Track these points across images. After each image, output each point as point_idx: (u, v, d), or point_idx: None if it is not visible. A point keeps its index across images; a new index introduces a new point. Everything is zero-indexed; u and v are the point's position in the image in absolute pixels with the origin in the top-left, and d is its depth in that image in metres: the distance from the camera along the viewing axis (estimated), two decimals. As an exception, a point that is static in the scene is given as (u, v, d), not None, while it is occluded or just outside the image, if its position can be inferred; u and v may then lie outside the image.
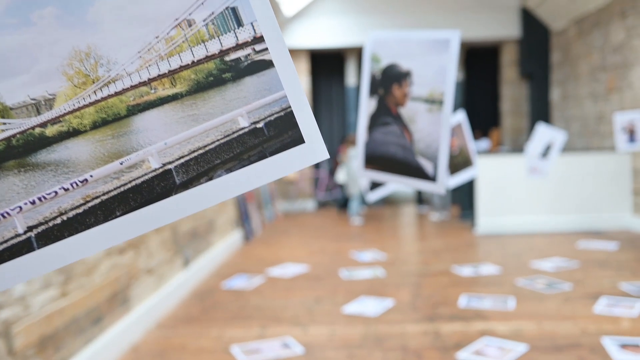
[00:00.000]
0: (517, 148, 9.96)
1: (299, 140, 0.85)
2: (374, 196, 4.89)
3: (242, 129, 0.85)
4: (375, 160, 1.55)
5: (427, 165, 1.41)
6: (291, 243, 7.14)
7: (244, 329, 3.87)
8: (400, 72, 1.44)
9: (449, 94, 1.34)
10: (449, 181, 3.35)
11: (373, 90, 1.53)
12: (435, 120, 1.37)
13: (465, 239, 7.05)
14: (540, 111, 10.10)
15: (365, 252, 6.25)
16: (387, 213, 9.50)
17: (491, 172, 7.33)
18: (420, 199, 9.76)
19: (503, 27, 10.15)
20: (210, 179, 0.86)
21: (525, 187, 7.32)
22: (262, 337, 3.70)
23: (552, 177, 6.49)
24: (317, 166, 10.83)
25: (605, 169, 7.40)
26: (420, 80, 1.40)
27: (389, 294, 4.51)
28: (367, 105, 1.52)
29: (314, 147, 0.86)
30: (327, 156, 0.85)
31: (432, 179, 1.41)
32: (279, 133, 0.83)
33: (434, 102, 1.37)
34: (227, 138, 0.84)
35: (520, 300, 4.23)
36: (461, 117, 3.22)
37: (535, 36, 10.00)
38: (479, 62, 11.22)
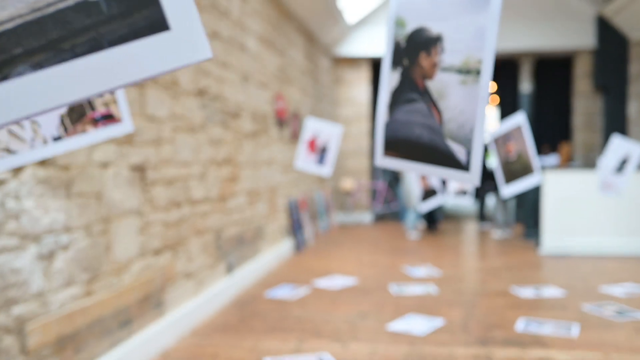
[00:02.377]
0: (589, 164, 9.34)
1: (159, 24, 0.57)
2: (425, 206, 4.59)
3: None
4: (396, 145, 1.29)
5: (459, 151, 1.15)
6: (343, 255, 6.89)
7: (280, 341, 3.66)
8: (429, 38, 1.19)
9: (488, 62, 1.08)
10: (506, 189, 3.02)
11: (396, 61, 1.29)
12: (470, 95, 1.11)
13: (528, 258, 6.59)
14: (616, 126, 9.44)
15: (418, 267, 5.92)
16: (447, 228, 9.09)
17: (559, 189, 6.84)
18: (483, 215, 9.30)
19: (576, 36, 9.58)
20: (6, 78, 0.59)
21: (596, 205, 6.79)
22: (298, 351, 3.46)
23: (626, 196, 5.96)
24: (375, 177, 10.54)
25: (688, 189, 6.77)
26: (453, 46, 1.15)
27: (439, 313, 4.18)
28: (389, 79, 1.28)
29: (185, 38, 0.58)
30: (210, 54, 0.57)
31: (464, 167, 1.14)
32: (127, 11, 0.52)
33: (469, 72, 1.11)
34: (37, 14, 0.53)
35: (585, 327, 3.81)
36: (521, 119, 2.90)
37: (612, 46, 9.37)
38: (549, 73, 10.66)
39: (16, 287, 2.33)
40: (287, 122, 6.97)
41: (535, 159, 2.89)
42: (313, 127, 4.27)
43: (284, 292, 4.93)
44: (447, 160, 1.16)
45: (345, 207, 10.49)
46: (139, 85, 3.35)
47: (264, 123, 6.00)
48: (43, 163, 2.49)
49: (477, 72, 1.10)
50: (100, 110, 1.20)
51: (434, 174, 1.20)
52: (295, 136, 7.16)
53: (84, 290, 2.81)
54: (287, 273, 5.80)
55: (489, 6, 1.08)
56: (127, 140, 3.21)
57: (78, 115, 1.16)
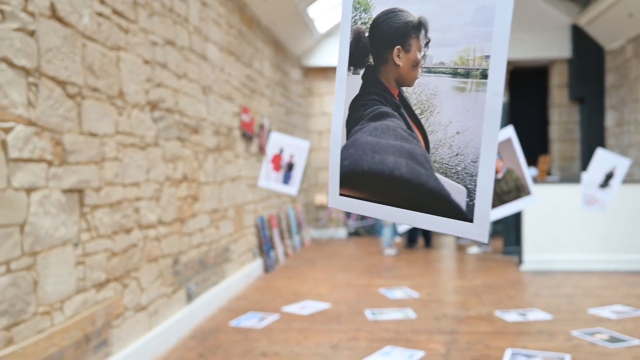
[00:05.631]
0: (568, 177, 9.12)
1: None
2: (404, 227, 4.24)
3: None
4: (358, 179, 0.91)
5: (456, 190, 0.78)
6: (315, 275, 6.49)
7: (241, 382, 3.25)
8: (407, 24, 0.83)
9: (499, 57, 0.72)
10: (496, 212, 2.66)
11: (357, 60, 0.92)
12: (471, 107, 0.75)
13: (510, 276, 6.27)
14: (594, 138, 9.24)
15: (395, 289, 5.56)
16: (422, 243, 8.75)
17: (539, 203, 6.55)
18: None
19: (552, 46, 9.39)
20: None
21: (577, 220, 6.52)
22: (261, 395, 3.06)
23: (609, 210, 5.68)
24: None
25: (671, 201, 6.54)
26: (443, 35, 0.79)
27: (419, 344, 3.81)
28: (344, 87, 0.92)
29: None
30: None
31: (464, 215, 0.77)
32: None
33: (469, 73, 0.75)
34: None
35: (578, 359, 3.48)
36: (510, 131, 2.56)
37: (588, 56, 9.19)
38: (525, 83, 10.46)
39: None
40: (255, 135, 6.58)
41: (529, 177, 2.55)
42: (278, 142, 3.89)
43: (250, 321, 4.51)
44: (438, 204, 0.79)
45: (318, 223, 10.10)
46: (74, 95, 2.94)
47: (228, 137, 5.61)
48: (-58, 190, 2.06)
49: (482, 74, 0.74)
50: None
51: (419, 224, 0.83)
52: (263, 150, 6.77)
53: (3, 337, 2.37)
54: (255, 297, 5.38)
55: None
56: (59, 160, 2.79)
57: None
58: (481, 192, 0.75)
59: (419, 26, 0.82)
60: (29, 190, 2.57)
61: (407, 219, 0.85)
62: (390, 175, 0.87)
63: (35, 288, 2.60)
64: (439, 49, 0.80)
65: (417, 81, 0.84)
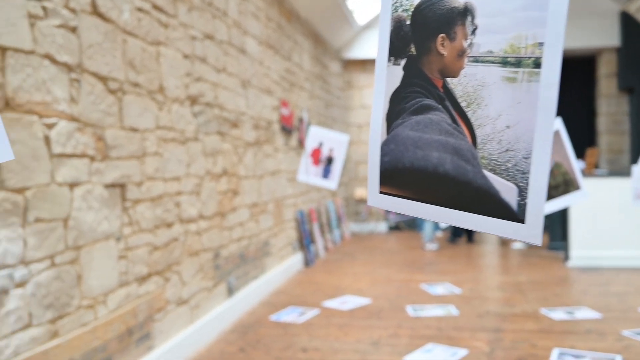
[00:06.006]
0: (617, 171, 8.81)
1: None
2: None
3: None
4: (399, 176, 0.86)
5: (506, 189, 0.72)
6: (355, 270, 6.45)
7: (281, 378, 3.24)
8: (451, 10, 0.77)
9: (555, 44, 0.66)
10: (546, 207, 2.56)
11: (397, 50, 0.87)
12: (523, 99, 0.69)
13: (556, 272, 6.10)
14: (644, 129, 8.90)
15: (437, 284, 5.47)
16: (463, 238, 8.60)
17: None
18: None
19: (599, 34, 9.06)
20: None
21: (628, 215, 6.28)
22: (301, 391, 3.04)
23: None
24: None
25: None
26: (491, 21, 0.73)
27: (461, 341, 3.73)
28: (384, 79, 0.87)
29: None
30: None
31: (515, 215, 0.71)
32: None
33: (520, 62, 0.69)
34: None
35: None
36: (558, 123, 2.46)
37: (638, 44, 8.83)
38: (571, 74, 10.13)
39: (-47, 337, 1.94)
40: (294, 129, 6.57)
41: (578, 171, 2.44)
42: (317, 136, 3.86)
43: (290, 315, 4.51)
44: (486, 203, 0.74)
45: (358, 217, 10.05)
46: (115, 90, 2.96)
47: (268, 131, 5.60)
48: (-13, 186, 2.10)
49: (535, 63, 0.69)
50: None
51: (465, 224, 0.78)
52: (302, 144, 6.75)
53: (48, 330, 2.41)
54: (295, 292, 5.38)
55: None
56: (101, 155, 2.82)
57: None
58: (534, 190, 0.69)
59: (465, 12, 0.77)
60: (72, 185, 2.60)
61: (452, 218, 0.80)
62: (434, 172, 0.82)
63: (79, 282, 2.63)
64: (487, 36, 0.75)
65: (462, 71, 0.79)
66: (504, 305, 4.75)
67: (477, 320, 4.24)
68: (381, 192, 0.90)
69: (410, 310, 4.55)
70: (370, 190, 0.93)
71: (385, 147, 0.89)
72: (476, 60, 0.77)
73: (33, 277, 2.33)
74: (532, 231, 0.70)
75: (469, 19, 0.77)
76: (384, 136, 0.90)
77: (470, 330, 4.00)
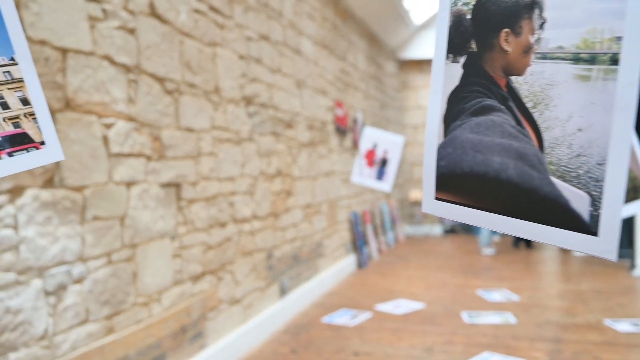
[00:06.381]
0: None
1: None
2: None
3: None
4: (457, 182, 0.80)
5: (577, 198, 0.66)
6: (409, 273, 6.35)
7: (332, 381, 3.20)
8: (517, 3, 0.71)
9: (634, 40, 0.59)
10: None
11: (457, 47, 0.81)
12: (598, 99, 0.62)
13: (621, 282, 5.82)
14: None
15: (493, 290, 5.31)
16: (523, 243, 8.34)
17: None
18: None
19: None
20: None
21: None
22: (352, 396, 3.00)
23: None
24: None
25: None
26: (561, 14, 0.67)
27: (520, 351, 3.60)
28: (442, 78, 0.81)
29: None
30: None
31: (586, 226, 0.65)
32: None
33: (594, 59, 0.63)
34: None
35: (703, 376, 3.14)
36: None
37: None
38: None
39: (14, 330, 2.00)
40: (348, 130, 6.53)
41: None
42: (372, 137, 3.80)
43: (342, 318, 4.47)
44: (554, 213, 0.67)
45: (413, 219, 9.91)
46: (171, 91, 3.00)
47: (322, 132, 5.58)
48: (47, 184, 2.15)
49: (612, 59, 0.62)
50: (7, 129, 0.79)
51: (529, 235, 0.72)
52: (357, 145, 6.70)
53: (104, 326, 2.46)
54: (347, 294, 5.33)
55: None
56: (158, 155, 2.86)
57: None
58: (609, 200, 0.63)
59: (532, 4, 0.71)
60: (129, 184, 2.64)
61: (515, 228, 0.74)
62: (496, 178, 0.76)
63: (134, 279, 2.67)
64: (557, 30, 0.69)
65: (529, 69, 0.73)
66: (564, 314, 4.56)
67: (536, 330, 4.08)
68: (437, 198, 0.85)
69: (465, 316, 4.43)
70: (425, 196, 0.88)
71: (442, 150, 0.84)
72: (544, 56, 0.71)
73: (90, 274, 2.38)
74: (606, 245, 0.64)
75: (537, 11, 0.71)
76: (441, 139, 0.84)
77: (529, 339, 3.85)
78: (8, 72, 0.80)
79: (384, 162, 3.72)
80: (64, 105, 2.24)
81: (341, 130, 6.21)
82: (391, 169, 3.69)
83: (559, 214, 0.69)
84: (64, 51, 2.24)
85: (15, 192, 2.01)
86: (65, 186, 2.24)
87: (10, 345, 1.98)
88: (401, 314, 4.57)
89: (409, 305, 4.83)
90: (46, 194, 2.15)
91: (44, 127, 0.82)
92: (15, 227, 2.01)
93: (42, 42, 2.14)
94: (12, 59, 0.81)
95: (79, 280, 2.32)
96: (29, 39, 2.08)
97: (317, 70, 5.44)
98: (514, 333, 3.99)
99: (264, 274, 4.17)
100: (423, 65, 9.74)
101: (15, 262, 2.01)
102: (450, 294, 5.25)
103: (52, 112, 2.18)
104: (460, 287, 5.53)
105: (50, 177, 2.17)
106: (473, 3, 0.79)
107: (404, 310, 4.68)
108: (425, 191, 0.88)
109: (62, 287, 2.23)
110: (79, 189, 2.32)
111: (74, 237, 2.29)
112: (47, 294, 2.15)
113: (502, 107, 0.76)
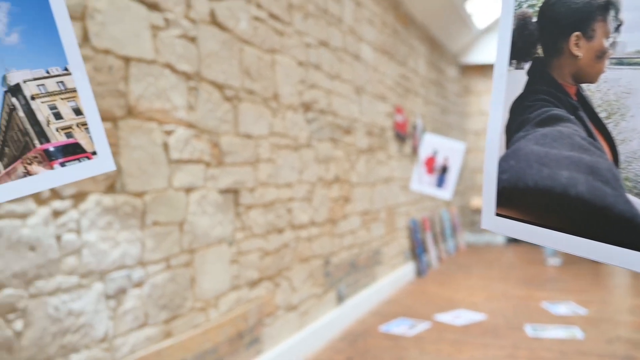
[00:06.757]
0: None
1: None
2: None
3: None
4: (520, 198, 0.75)
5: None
6: (470, 283, 6.19)
7: (389, 393, 3.14)
8: (589, 4, 0.66)
9: None
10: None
11: (520, 52, 0.75)
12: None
13: (700, 297, 5.47)
14: None
15: (559, 303, 5.10)
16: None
17: None
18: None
19: None
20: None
21: None
22: (409, 409, 2.93)
23: None
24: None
25: None
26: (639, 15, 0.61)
27: (586, 368, 3.43)
28: (504, 85, 0.75)
29: None
30: None
31: None
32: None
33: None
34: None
35: None
36: None
37: None
38: None
39: (75, 332, 2.05)
40: (408, 136, 6.44)
41: None
42: (432, 144, 3.73)
43: (400, 327, 4.39)
44: (630, 233, 0.61)
45: (474, 227, 9.68)
46: (231, 98, 3.03)
47: (381, 138, 5.52)
48: (109, 189, 2.20)
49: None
50: (60, 139, 0.80)
51: (601, 257, 0.66)
52: (417, 151, 6.60)
53: (162, 330, 2.49)
54: (406, 302, 5.25)
55: None
56: (216, 161, 2.89)
57: (17, 149, 0.78)
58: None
59: (607, 5, 0.65)
60: (188, 190, 2.68)
61: (585, 249, 0.68)
62: (564, 194, 0.70)
63: (192, 284, 2.70)
64: (636, 33, 0.62)
65: (602, 76, 0.67)
66: (636, 330, 4.32)
67: (605, 346, 3.88)
68: (497, 214, 0.80)
69: (529, 329, 4.27)
70: (484, 211, 0.82)
71: (503, 163, 0.78)
72: (620, 62, 0.65)
73: (149, 278, 2.42)
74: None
75: (612, 13, 0.65)
76: (503, 150, 0.79)
77: (597, 356, 3.67)
78: (62, 82, 0.80)
79: (444, 170, 3.63)
80: (126, 113, 2.29)
81: (401, 137, 6.13)
82: (452, 177, 3.60)
83: (635, 235, 0.62)
84: (127, 60, 2.30)
85: (79, 197, 2.07)
86: (126, 192, 2.29)
87: (72, 347, 2.04)
88: (461, 325, 4.45)
89: (470, 316, 4.69)
90: (108, 200, 2.20)
91: (96, 137, 0.82)
92: (78, 232, 2.07)
93: (106, 51, 2.20)
94: (66, 69, 0.82)
95: (138, 285, 2.36)
96: (94, 48, 2.14)
97: (376, 76, 5.39)
98: (581, 349, 3.80)
99: (321, 281, 4.15)
100: (486, 70, 9.52)
101: (78, 266, 2.07)
102: (513, 306, 5.08)
103: (114, 120, 2.23)
104: (523, 299, 5.34)
105: (112, 183, 2.22)
106: (539, 5, 0.74)
107: (464, 321, 4.55)
108: (484, 206, 0.82)
109: (122, 291, 2.27)
110: (139, 194, 2.36)
111: (134, 241, 2.33)
112: (108, 297, 2.20)
113: (572, 117, 0.70)
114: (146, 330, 2.40)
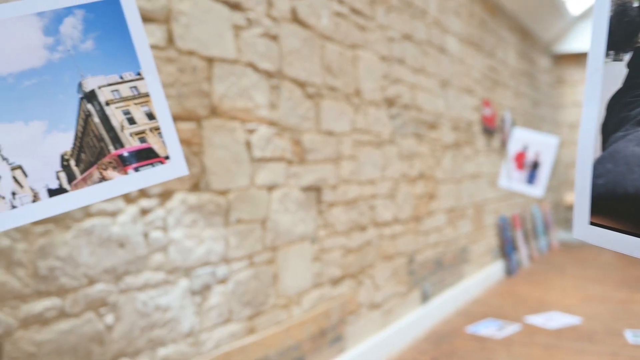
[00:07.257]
0: None
1: None
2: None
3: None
4: (618, 205, 0.67)
5: None
6: (563, 284, 5.89)
7: (476, 397, 3.03)
8: None
9: None
10: None
11: (618, 42, 0.67)
12: None
13: None
14: None
15: (664, 308, 4.75)
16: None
17: None
18: None
19: None
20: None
21: None
22: (497, 415, 2.81)
23: None
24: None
25: None
26: None
27: (695, 380, 3.16)
28: (599, 79, 0.67)
29: None
30: None
31: None
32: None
33: None
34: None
35: None
36: None
37: None
38: None
39: (163, 327, 2.11)
40: (497, 130, 6.20)
41: None
42: (522, 138, 3.56)
43: (488, 329, 4.24)
44: None
45: (568, 225, 9.20)
46: (312, 95, 3.02)
47: (468, 132, 5.35)
48: (194, 188, 2.25)
49: None
50: (133, 144, 0.80)
51: None
52: (505, 145, 6.35)
53: (245, 327, 2.53)
54: (494, 303, 5.07)
55: None
56: (298, 159, 2.89)
57: (92, 155, 0.79)
58: None
59: None
60: (270, 188, 2.70)
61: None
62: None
63: (274, 281, 2.73)
64: None
65: None
66: None
67: None
68: (592, 223, 0.72)
69: (630, 336, 3.99)
70: (576, 220, 0.75)
71: (599, 166, 0.70)
72: None
73: (233, 275, 2.46)
74: None
75: None
76: (598, 152, 0.71)
77: None
78: (135, 87, 0.81)
79: (535, 165, 3.46)
80: (210, 112, 2.34)
81: (489, 131, 5.92)
82: (544, 173, 3.42)
83: None
84: (210, 60, 2.34)
85: (165, 196, 2.13)
86: (211, 190, 2.34)
87: (159, 340, 2.10)
88: (554, 329, 4.23)
89: (563, 320, 4.46)
90: (193, 198, 2.25)
91: (169, 141, 0.83)
92: (164, 229, 2.13)
93: (190, 53, 2.25)
94: (139, 74, 0.82)
95: (222, 281, 2.40)
96: (178, 50, 2.19)
97: (462, 69, 5.22)
98: (689, 359, 3.52)
99: (405, 279, 4.08)
100: (581, 58, 9.02)
101: (165, 263, 2.13)
102: (611, 310, 4.77)
103: (199, 120, 2.28)
104: (623, 303, 5.01)
105: (196, 182, 2.27)
106: (642, -12, 0.65)
107: (557, 325, 4.32)
108: (577, 214, 0.75)
109: (207, 288, 2.32)
110: (223, 192, 2.40)
111: (218, 239, 2.38)
112: (193, 293, 2.26)
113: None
114: (230, 326, 2.44)
